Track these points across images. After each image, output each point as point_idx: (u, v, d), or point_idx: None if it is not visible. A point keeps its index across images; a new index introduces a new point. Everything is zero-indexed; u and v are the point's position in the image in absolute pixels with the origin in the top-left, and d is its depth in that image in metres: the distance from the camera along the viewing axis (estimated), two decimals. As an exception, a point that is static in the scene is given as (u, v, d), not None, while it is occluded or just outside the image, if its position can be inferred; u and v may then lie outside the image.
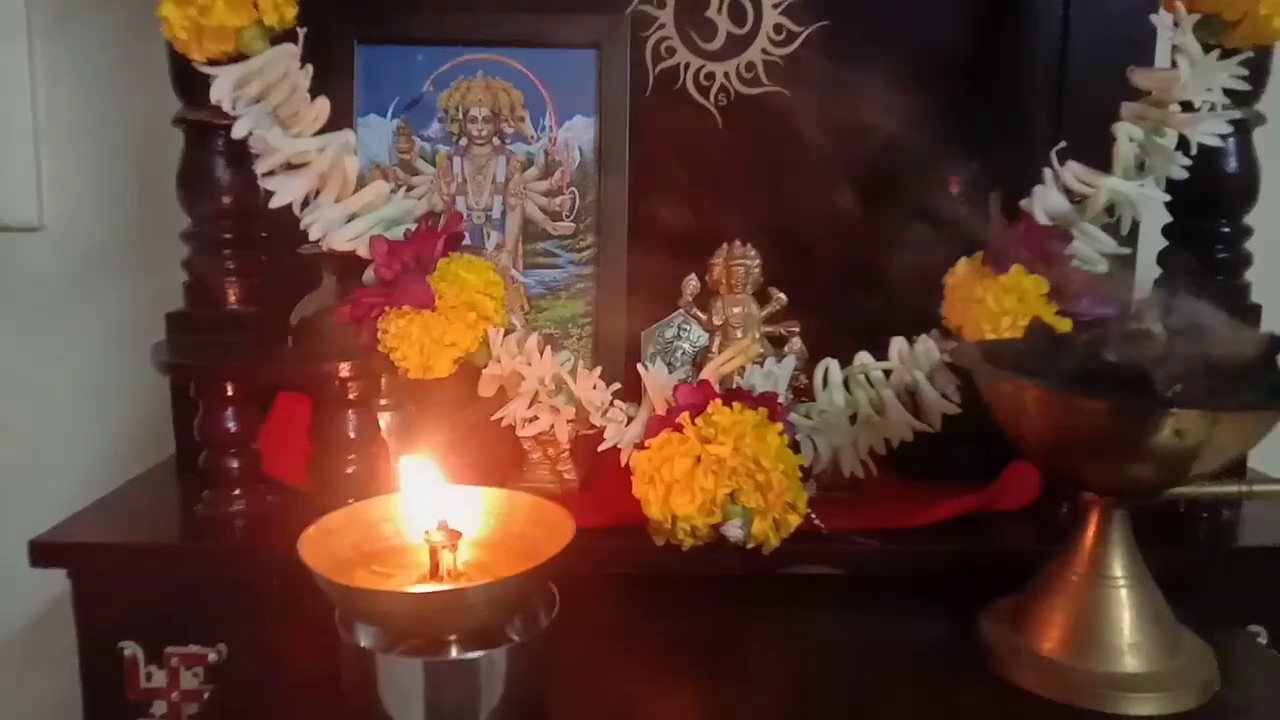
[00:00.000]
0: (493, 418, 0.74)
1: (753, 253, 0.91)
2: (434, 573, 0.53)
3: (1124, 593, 0.58)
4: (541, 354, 0.73)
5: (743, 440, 0.64)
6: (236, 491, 0.73)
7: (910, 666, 0.62)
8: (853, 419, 0.73)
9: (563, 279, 1.00)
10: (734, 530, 0.65)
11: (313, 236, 0.74)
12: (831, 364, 0.74)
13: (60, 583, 0.69)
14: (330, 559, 0.53)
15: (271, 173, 0.73)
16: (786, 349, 0.91)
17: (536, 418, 0.73)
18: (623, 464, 0.71)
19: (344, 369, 0.71)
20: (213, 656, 0.69)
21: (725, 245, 0.91)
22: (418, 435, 0.79)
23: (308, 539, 0.52)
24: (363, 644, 0.52)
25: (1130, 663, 0.57)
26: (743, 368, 0.73)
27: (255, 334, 0.79)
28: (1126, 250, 0.73)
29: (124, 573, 0.69)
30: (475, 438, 0.78)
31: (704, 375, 0.70)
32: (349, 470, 0.72)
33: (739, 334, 0.90)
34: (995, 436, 0.69)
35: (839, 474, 0.73)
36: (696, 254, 0.88)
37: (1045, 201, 0.74)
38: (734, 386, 0.71)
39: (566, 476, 0.76)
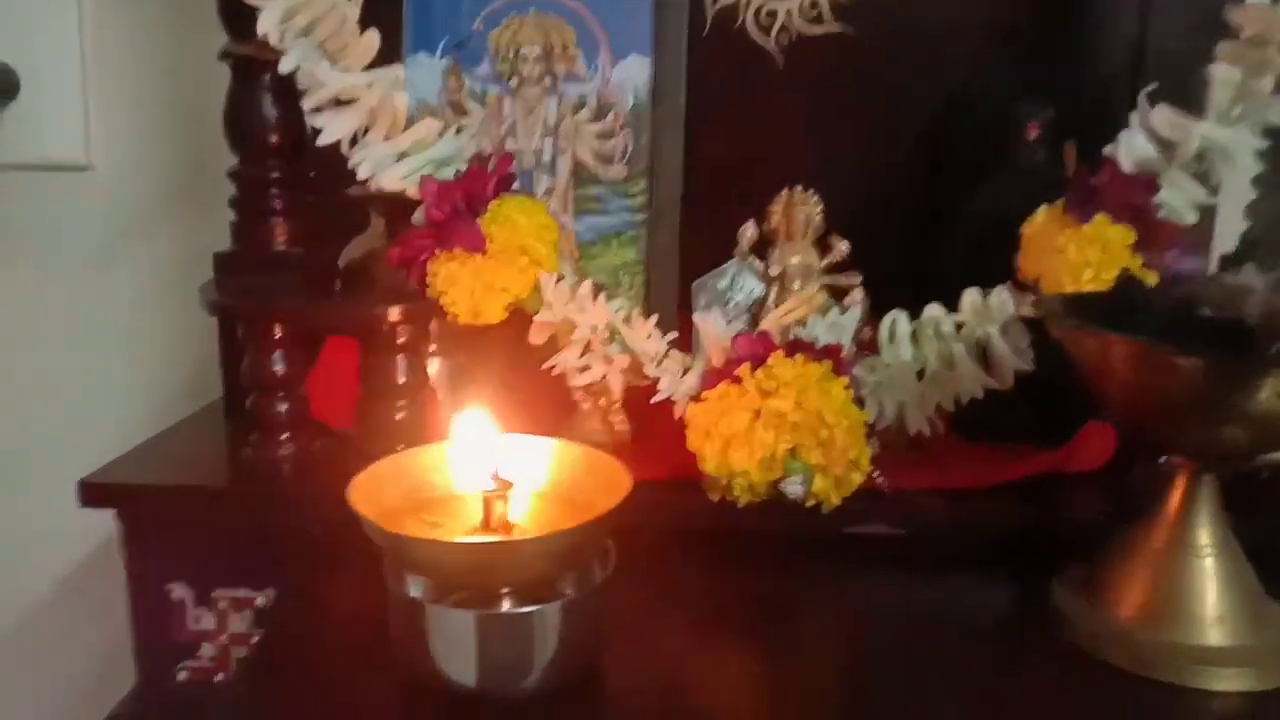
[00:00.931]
0: (544, 366, 0.72)
1: (814, 199, 0.87)
2: (486, 524, 0.51)
3: (1210, 562, 0.54)
4: (595, 301, 0.70)
5: (805, 394, 0.61)
6: (284, 435, 0.72)
7: (974, 632, 0.59)
8: (920, 375, 0.70)
9: (614, 225, 0.98)
10: (793, 487, 0.63)
11: (361, 175, 0.71)
12: (899, 316, 0.71)
13: (109, 527, 0.69)
14: (379, 507, 0.51)
15: (319, 109, 0.71)
16: (848, 301, 0.88)
17: (589, 367, 0.71)
18: (677, 416, 0.68)
19: (393, 313, 0.69)
20: (261, 600, 0.68)
21: (785, 191, 0.88)
22: (467, 383, 0.77)
23: (357, 486, 0.51)
24: (412, 595, 0.50)
25: (1214, 636, 0.54)
26: (805, 318, 0.70)
27: (302, 275, 0.78)
28: (1215, 200, 0.69)
29: (173, 515, 0.69)
30: (525, 387, 0.76)
31: (765, 325, 0.68)
32: (398, 416, 0.70)
33: (797, 285, 0.88)
34: (1061, 397, 0.66)
35: (903, 432, 0.70)
36: (754, 201, 0.85)
37: (1131, 148, 0.69)
38: (794, 338, 0.68)
39: (618, 427, 0.74)
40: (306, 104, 0.71)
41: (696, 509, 0.66)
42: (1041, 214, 0.70)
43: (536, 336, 0.72)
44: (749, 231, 0.89)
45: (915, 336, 0.71)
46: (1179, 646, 0.53)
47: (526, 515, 0.53)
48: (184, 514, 0.69)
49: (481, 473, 0.52)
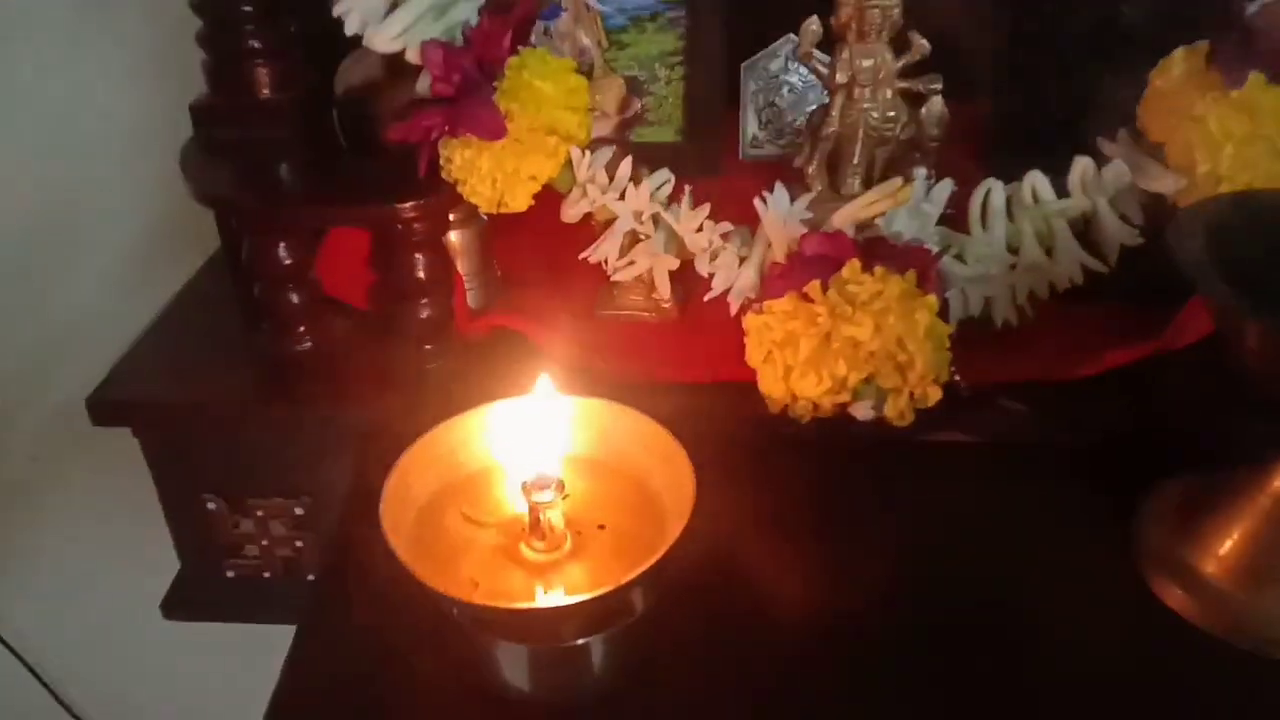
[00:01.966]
0: (581, 256, 0.63)
1: (893, -11, 0.73)
2: (534, 527, 0.46)
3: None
4: (637, 184, 0.60)
5: (885, 318, 0.54)
6: (301, 328, 0.65)
7: (1049, 555, 0.56)
8: (1012, 252, 0.61)
9: (648, 6, 0.84)
10: (864, 410, 0.57)
11: (350, 29, 0.59)
12: (995, 186, 0.61)
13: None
14: (414, 508, 0.47)
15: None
16: (925, 110, 0.76)
17: (632, 262, 0.62)
18: (732, 314, 0.61)
19: (407, 209, 0.59)
20: (299, 510, 0.65)
21: (858, -22, 0.73)
22: (492, 254, 0.69)
23: (390, 497, 0.45)
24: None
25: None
26: (884, 213, 0.60)
27: (295, 127, 0.67)
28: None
29: (195, 431, 0.64)
30: (558, 250, 0.68)
31: (837, 221, 0.58)
32: (422, 315, 0.63)
33: (868, 93, 0.75)
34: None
35: (988, 320, 0.63)
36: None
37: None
38: (871, 236, 0.58)
39: (664, 305, 0.67)
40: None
41: (752, 418, 0.60)
42: (1178, 59, 0.57)
43: (569, 215, 0.63)
44: (812, 27, 0.75)
45: (1009, 211, 0.61)
46: (1272, 615, 0.50)
47: (577, 502, 0.48)
48: (207, 429, 0.64)
49: (523, 459, 0.47)
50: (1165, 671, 0.49)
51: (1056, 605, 0.53)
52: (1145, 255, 0.60)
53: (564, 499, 0.46)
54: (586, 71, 0.85)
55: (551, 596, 0.44)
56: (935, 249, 0.58)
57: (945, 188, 0.60)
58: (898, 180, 0.57)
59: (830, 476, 0.61)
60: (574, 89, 0.59)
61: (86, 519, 0.99)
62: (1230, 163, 0.55)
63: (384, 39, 0.58)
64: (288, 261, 0.63)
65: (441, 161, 0.59)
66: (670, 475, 0.47)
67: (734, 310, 0.61)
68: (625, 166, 0.60)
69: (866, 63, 0.75)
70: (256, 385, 0.65)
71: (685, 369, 0.63)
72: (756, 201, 0.60)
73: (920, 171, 0.61)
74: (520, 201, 0.59)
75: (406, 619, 0.48)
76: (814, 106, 0.88)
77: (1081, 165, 0.59)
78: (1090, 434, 0.60)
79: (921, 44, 0.74)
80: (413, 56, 0.58)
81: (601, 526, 0.47)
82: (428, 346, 0.63)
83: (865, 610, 0.52)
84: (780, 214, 0.59)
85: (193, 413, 0.63)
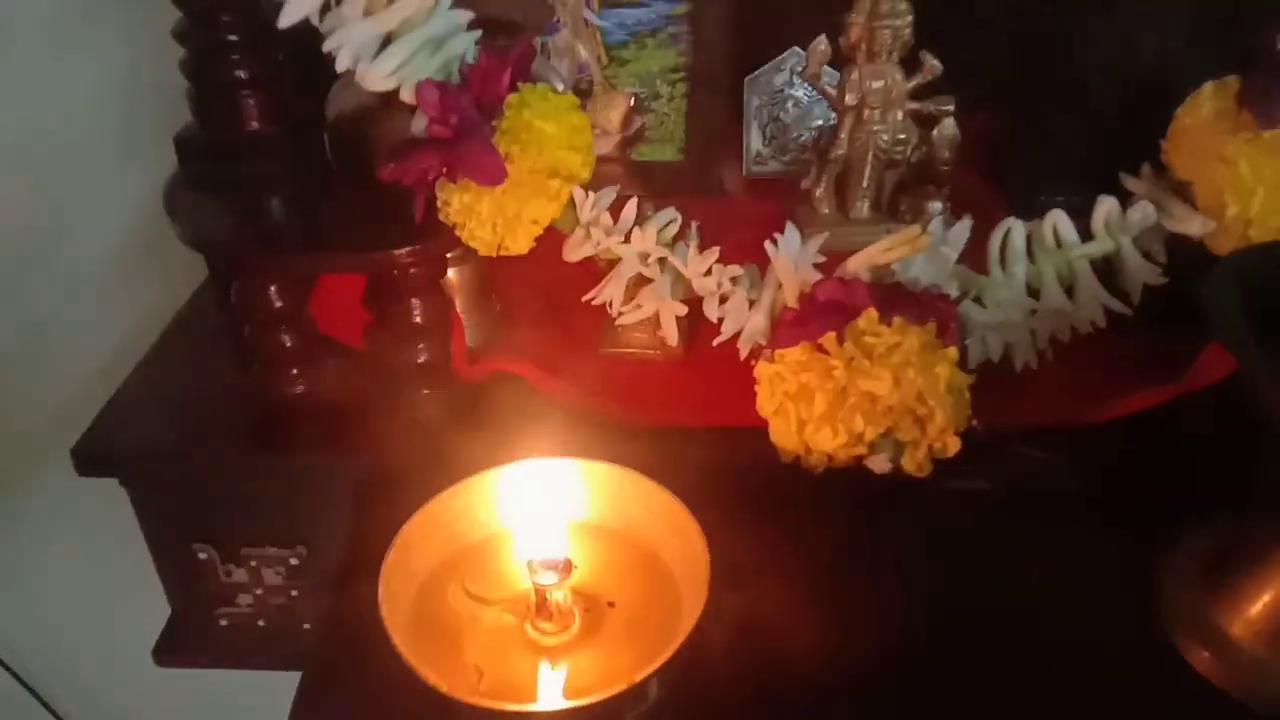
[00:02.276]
0: (584, 299, 0.61)
1: (903, 8, 0.71)
2: (540, 608, 0.44)
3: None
4: (642, 226, 0.58)
5: (904, 372, 0.51)
6: (294, 370, 0.63)
7: (1069, 606, 0.54)
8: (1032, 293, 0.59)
9: (649, 21, 0.81)
10: (881, 463, 0.55)
11: (340, 66, 0.56)
12: (1015, 226, 0.58)
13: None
14: (415, 583, 0.45)
15: (273, -28, 0.54)
16: (936, 132, 0.74)
17: (638, 306, 0.60)
18: (741, 357, 0.59)
19: (403, 254, 0.57)
20: (294, 560, 0.63)
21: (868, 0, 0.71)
22: (490, 292, 0.66)
23: (390, 575, 0.43)
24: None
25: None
26: (902, 259, 0.57)
27: (285, 162, 0.64)
28: None
29: (184, 480, 0.62)
30: (557, 286, 0.66)
31: (852, 266, 0.55)
32: (420, 359, 0.61)
33: (877, 114, 0.73)
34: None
35: (1006, 362, 0.61)
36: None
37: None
38: (888, 282, 0.56)
39: (670, 343, 0.64)
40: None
41: (761, 468, 0.58)
42: (1207, 95, 0.55)
43: (571, 255, 0.60)
44: (821, 47, 0.73)
45: (1029, 251, 0.59)
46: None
47: (586, 575, 0.46)
48: (195, 477, 0.62)
49: (533, 535, 0.45)
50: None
51: (1076, 659, 0.51)
52: (1165, 289, 0.58)
53: (572, 572, 0.44)
54: (586, 89, 0.83)
55: (558, 688, 0.42)
56: (954, 293, 0.55)
57: (964, 230, 0.58)
58: (916, 228, 0.54)
59: (844, 526, 0.58)
60: (577, 128, 0.56)
61: (79, 551, 0.97)
62: (1261, 207, 0.53)
63: (377, 77, 0.55)
64: (279, 304, 0.61)
65: (439, 204, 0.56)
66: (683, 550, 0.45)
67: (744, 355, 0.59)
68: (630, 208, 0.58)
69: (876, 84, 0.73)
70: (248, 431, 0.62)
71: (692, 414, 0.61)
72: (767, 244, 0.58)
73: (936, 207, 0.59)
74: (522, 245, 0.57)
75: (409, 699, 0.46)
76: (819, 121, 0.86)
77: (1106, 206, 0.57)
78: (1110, 479, 0.58)
79: (933, 64, 0.72)
80: (407, 96, 0.55)
81: (611, 604, 0.46)
82: (425, 391, 0.61)
83: (881, 665, 0.50)
84: (791, 256, 0.56)
85: (181, 462, 0.61)
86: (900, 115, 0.74)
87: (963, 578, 0.56)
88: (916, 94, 0.74)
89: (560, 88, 0.59)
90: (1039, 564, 0.56)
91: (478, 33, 0.57)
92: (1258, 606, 0.50)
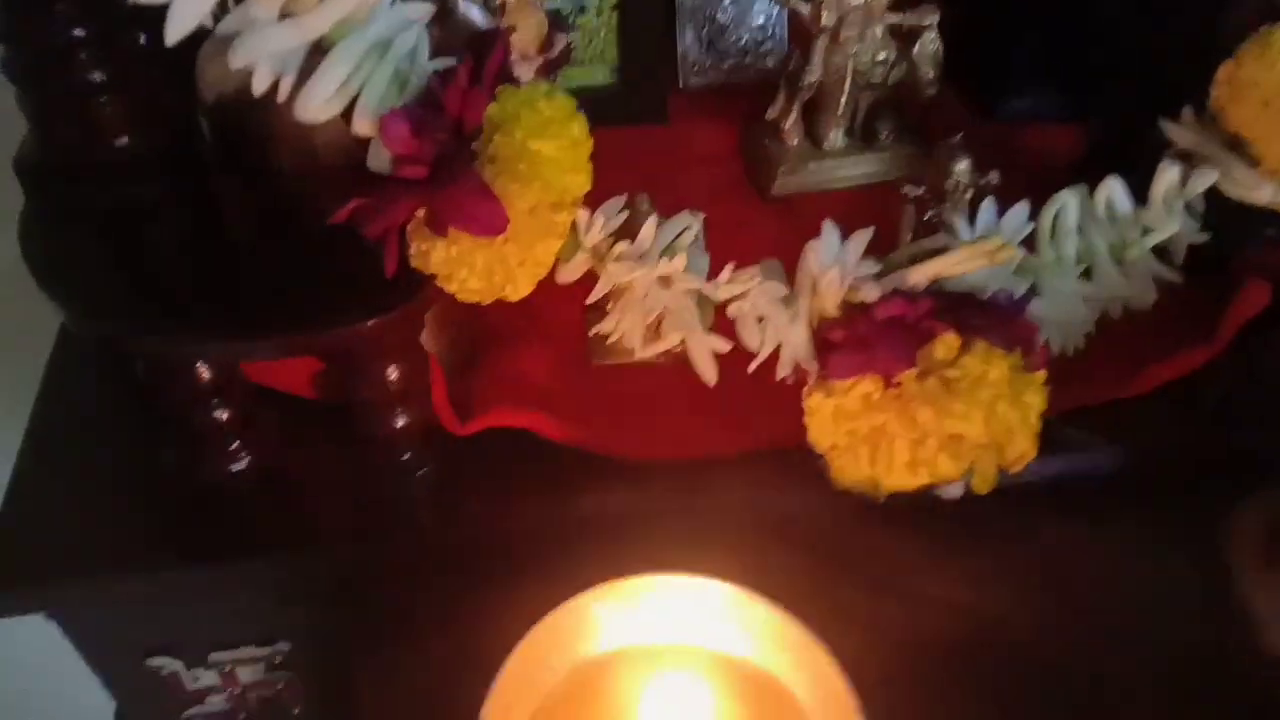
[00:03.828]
0: (593, 332, 0.51)
1: (886, -89, 0.61)
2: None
3: None
4: (670, 257, 0.48)
5: (995, 408, 0.46)
6: (234, 445, 0.51)
7: (1128, 586, 0.53)
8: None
9: (571, -81, 0.67)
10: (954, 491, 0.50)
11: (258, 89, 0.42)
12: (1069, 204, 0.52)
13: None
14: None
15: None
16: (917, 49, 0.65)
17: (658, 338, 0.51)
18: (779, 378, 0.51)
19: (368, 328, 0.45)
20: (277, 657, 0.54)
21: (846, -99, 0.60)
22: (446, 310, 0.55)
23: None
24: None
25: None
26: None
27: (170, 182, 0.50)
28: None
29: (122, 600, 0.51)
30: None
31: (913, 279, 0.48)
32: (399, 424, 0.50)
33: (853, 34, 0.64)
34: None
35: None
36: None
37: None
38: (960, 292, 0.49)
39: (708, 381, 0.54)
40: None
41: (799, 493, 0.52)
42: (1277, 42, 0.49)
43: (566, 278, 0.50)
44: (794, -42, 0.62)
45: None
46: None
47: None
48: (133, 595, 0.50)
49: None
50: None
51: (1141, 639, 0.50)
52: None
53: None
54: (499, 6, 0.69)
55: None
56: (1020, 292, 0.49)
57: (1022, 216, 0.51)
58: (997, 238, 0.47)
59: (896, 537, 0.54)
60: (578, 141, 0.45)
61: None
62: (1336, 172, 0.48)
63: (316, 104, 0.42)
64: (208, 376, 0.49)
65: (411, 251, 0.44)
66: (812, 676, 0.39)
67: (783, 375, 0.51)
68: (649, 229, 0.48)
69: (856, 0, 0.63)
70: (185, 527, 0.51)
71: (721, 438, 0.54)
72: (808, 248, 0.49)
73: (988, 205, 0.52)
74: (525, 290, 0.46)
75: None
76: (761, 20, 0.76)
77: (1169, 177, 0.51)
78: (1159, 456, 0.56)
79: (915, -30, 0.63)
80: (364, 128, 0.42)
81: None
82: (406, 455, 0.51)
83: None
84: (834, 267, 0.48)
85: (111, 581, 0.49)
86: (879, 32, 0.65)
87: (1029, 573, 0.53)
88: (895, 5, 0.64)
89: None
90: (1098, 550, 0.54)
91: (422, 14, 0.44)
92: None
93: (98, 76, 0.47)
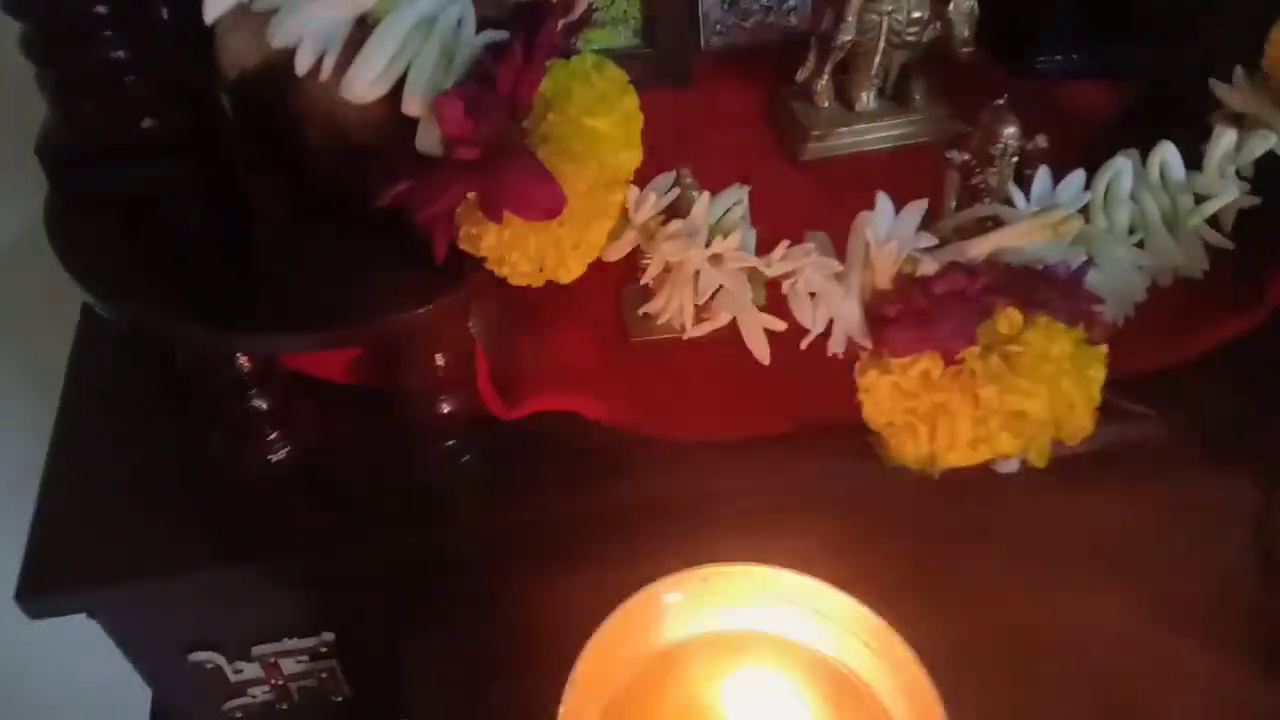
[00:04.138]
0: (643, 312, 0.50)
1: None
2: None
3: None
4: (722, 237, 0.46)
5: (1059, 384, 0.45)
6: (273, 435, 0.50)
7: (1184, 552, 0.53)
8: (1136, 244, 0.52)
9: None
10: (1011, 465, 0.49)
11: (302, 68, 0.40)
12: (1124, 170, 0.51)
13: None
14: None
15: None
16: (952, 6, 0.64)
17: (706, 318, 0.49)
18: (830, 353, 0.50)
19: (419, 316, 0.43)
20: (322, 648, 0.53)
21: None
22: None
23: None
24: None
25: None
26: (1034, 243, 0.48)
27: (193, 163, 0.48)
28: None
29: (164, 597, 0.49)
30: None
31: (972, 252, 0.47)
32: (444, 410, 0.49)
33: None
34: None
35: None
36: None
37: None
38: (1020, 266, 0.47)
39: (761, 359, 0.52)
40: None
41: (854, 470, 0.51)
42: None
43: (613, 256, 0.49)
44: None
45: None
46: None
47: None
48: (177, 589, 0.49)
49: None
50: None
51: (1197, 606, 0.50)
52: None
53: None
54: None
55: None
56: (1079, 263, 0.48)
57: (1078, 184, 0.49)
58: (1059, 210, 0.46)
59: (956, 512, 0.54)
60: (630, 115, 0.43)
61: None
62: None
63: (364, 81, 0.40)
64: (248, 368, 0.47)
65: (460, 235, 0.43)
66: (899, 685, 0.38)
67: (833, 350, 0.50)
68: (702, 206, 0.46)
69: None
70: (226, 522, 0.49)
71: (776, 414, 0.53)
72: (855, 226, 0.47)
73: (1043, 173, 0.50)
74: (576, 272, 0.44)
75: None
76: (786, -22, 0.73)
77: (1225, 142, 0.50)
78: (1211, 423, 0.56)
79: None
80: (413, 108, 0.40)
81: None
82: (450, 442, 0.50)
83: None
84: (890, 240, 0.47)
85: (155, 579, 0.48)
86: (923, -7, 0.63)
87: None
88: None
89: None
90: (1153, 515, 0.54)
91: (473, -8, 0.42)
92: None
93: (121, 55, 0.45)
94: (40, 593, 0.46)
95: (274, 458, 0.50)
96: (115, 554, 0.48)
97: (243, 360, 0.47)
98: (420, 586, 0.51)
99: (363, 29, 0.40)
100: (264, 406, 0.49)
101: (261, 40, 0.44)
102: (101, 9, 0.43)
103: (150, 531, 0.49)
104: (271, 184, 0.49)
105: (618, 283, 0.56)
